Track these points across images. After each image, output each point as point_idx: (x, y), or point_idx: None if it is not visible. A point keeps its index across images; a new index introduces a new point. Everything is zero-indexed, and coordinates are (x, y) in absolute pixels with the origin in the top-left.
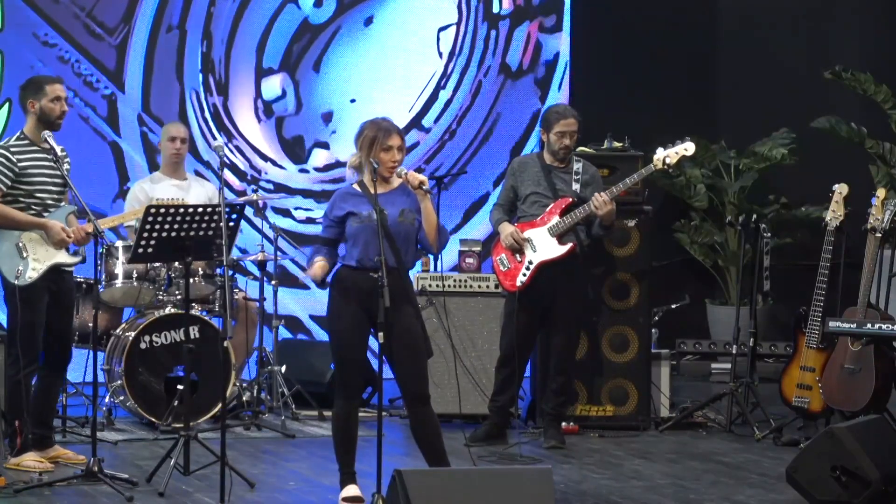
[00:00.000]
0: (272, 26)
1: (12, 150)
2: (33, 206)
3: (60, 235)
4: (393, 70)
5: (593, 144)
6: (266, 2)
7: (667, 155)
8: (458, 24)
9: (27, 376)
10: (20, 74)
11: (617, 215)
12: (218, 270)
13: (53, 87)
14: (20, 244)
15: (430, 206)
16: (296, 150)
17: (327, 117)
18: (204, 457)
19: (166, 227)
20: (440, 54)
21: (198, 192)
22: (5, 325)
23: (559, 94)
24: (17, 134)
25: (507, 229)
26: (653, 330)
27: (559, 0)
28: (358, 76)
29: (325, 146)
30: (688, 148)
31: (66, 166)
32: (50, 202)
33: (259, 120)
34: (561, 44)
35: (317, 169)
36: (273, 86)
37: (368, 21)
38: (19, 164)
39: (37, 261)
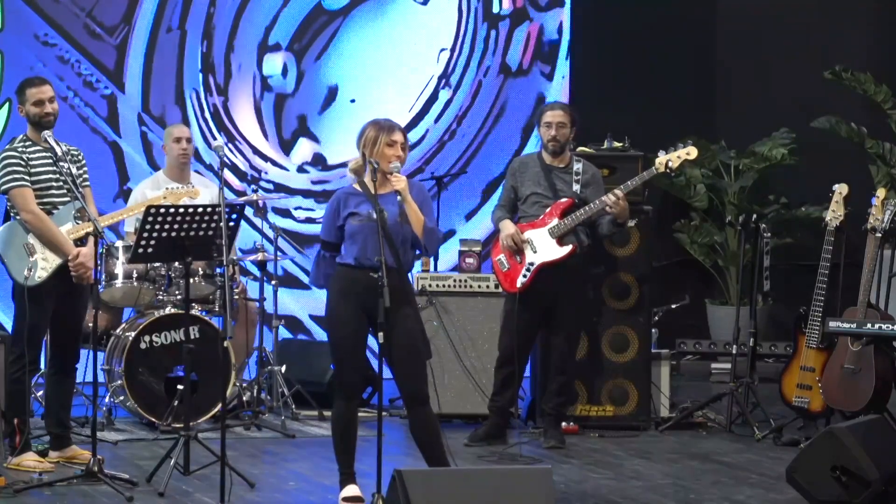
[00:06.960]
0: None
1: (19, 149)
2: (41, 206)
3: (76, 271)
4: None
5: (593, 144)
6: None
7: (669, 159)
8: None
9: (27, 376)
10: (20, 74)
11: None
12: (218, 270)
13: (32, 91)
14: (28, 244)
15: (409, 208)
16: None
17: (326, 101)
18: (204, 457)
19: (166, 227)
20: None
21: (204, 196)
22: (12, 324)
23: (559, 94)
24: (20, 136)
25: (507, 229)
26: (653, 330)
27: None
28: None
29: (314, 139)
30: (690, 152)
31: (74, 167)
32: (57, 201)
33: (255, 96)
34: (561, 43)
35: (306, 163)
36: (275, 63)
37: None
38: (29, 163)
39: (45, 260)
